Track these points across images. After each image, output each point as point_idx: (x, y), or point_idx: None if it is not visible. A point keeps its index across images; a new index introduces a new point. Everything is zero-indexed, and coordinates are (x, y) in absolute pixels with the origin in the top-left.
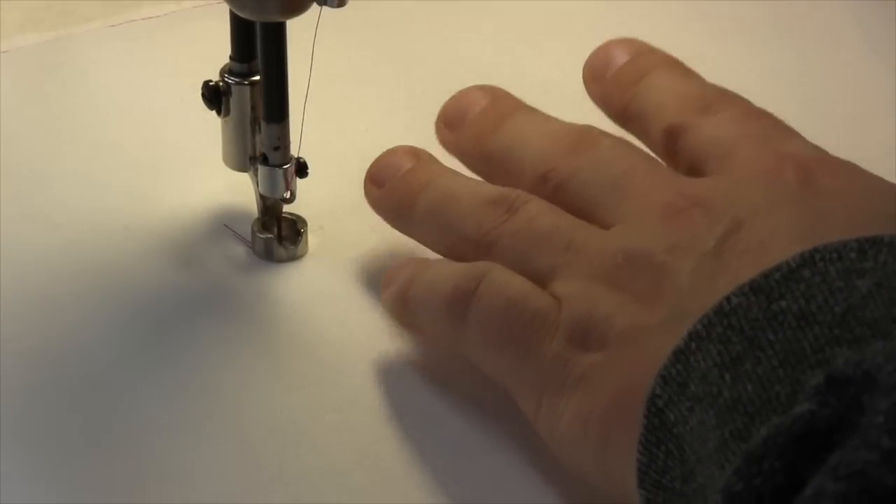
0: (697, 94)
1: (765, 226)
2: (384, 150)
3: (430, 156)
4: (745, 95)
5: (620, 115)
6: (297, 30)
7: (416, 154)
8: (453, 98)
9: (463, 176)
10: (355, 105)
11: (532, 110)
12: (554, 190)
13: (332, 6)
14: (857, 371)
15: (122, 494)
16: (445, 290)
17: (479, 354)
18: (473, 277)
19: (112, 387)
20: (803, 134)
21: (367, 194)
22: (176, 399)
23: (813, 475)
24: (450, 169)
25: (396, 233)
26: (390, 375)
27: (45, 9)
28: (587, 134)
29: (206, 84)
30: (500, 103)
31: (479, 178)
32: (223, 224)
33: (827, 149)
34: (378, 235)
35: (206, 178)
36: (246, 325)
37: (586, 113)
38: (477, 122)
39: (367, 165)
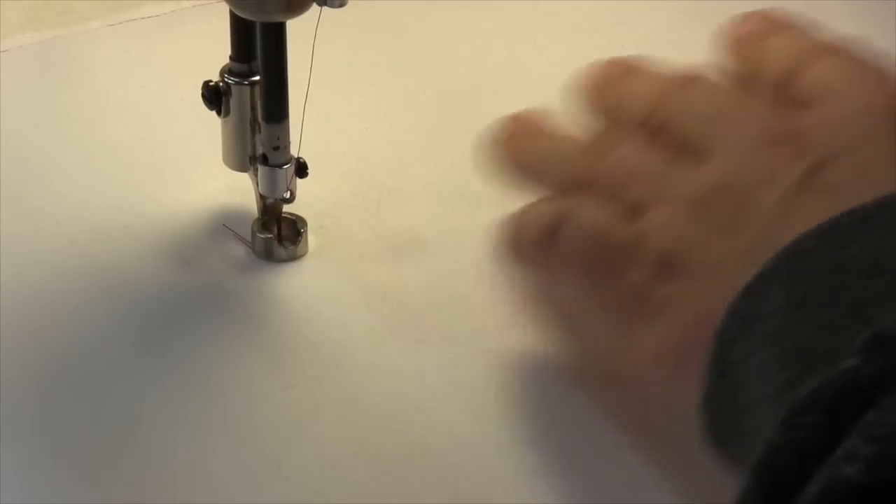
0: (810, 47)
1: (854, 162)
2: (383, 149)
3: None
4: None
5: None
6: (297, 30)
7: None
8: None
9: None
10: (355, 105)
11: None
12: (654, 132)
13: (332, 6)
14: None
15: (121, 491)
16: (538, 225)
17: (568, 285)
18: (561, 213)
19: (111, 385)
20: None
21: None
22: (175, 397)
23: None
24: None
25: (396, 233)
26: (389, 373)
27: (45, 8)
28: (688, 77)
29: (206, 84)
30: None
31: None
32: (223, 224)
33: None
34: (378, 235)
35: (206, 178)
36: (246, 324)
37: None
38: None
39: (367, 165)
